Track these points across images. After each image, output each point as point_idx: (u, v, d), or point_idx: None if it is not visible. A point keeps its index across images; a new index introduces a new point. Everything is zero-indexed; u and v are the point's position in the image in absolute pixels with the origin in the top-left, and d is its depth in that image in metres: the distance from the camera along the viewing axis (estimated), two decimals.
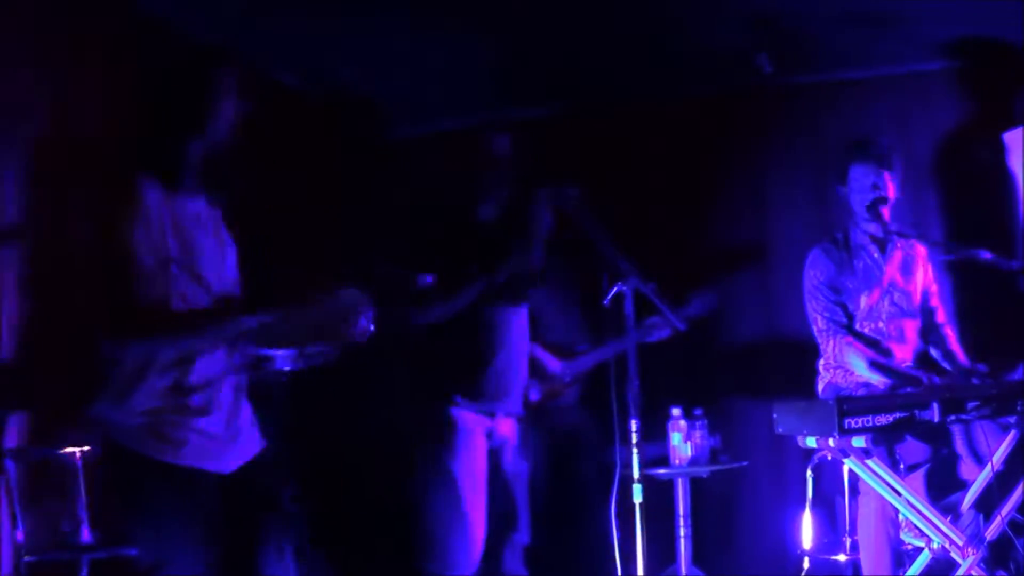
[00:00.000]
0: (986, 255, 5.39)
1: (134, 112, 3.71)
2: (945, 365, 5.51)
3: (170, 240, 3.37)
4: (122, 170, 3.47)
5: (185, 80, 3.56)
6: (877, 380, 5.23)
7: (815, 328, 5.49)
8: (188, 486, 3.35)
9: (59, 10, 5.14)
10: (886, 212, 5.42)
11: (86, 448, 4.80)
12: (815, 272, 5.48)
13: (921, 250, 5.63)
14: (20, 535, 4.56)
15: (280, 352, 3.59)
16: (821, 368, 5.54)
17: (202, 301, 3.44)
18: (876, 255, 5.50)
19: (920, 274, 5.61)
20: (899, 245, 5.55)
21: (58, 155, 5.16)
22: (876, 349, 5.33)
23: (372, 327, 3.57)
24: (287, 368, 3.67)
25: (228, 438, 3.50)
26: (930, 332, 5.60)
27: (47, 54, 5.12)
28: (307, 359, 3.63)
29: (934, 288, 5.67)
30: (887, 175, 5.43)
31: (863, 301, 5.42)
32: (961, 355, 5.54)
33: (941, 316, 5.67)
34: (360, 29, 6.13)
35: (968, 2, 5.98)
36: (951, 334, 5.64)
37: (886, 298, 5.46)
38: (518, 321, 5.00)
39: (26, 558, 4.57)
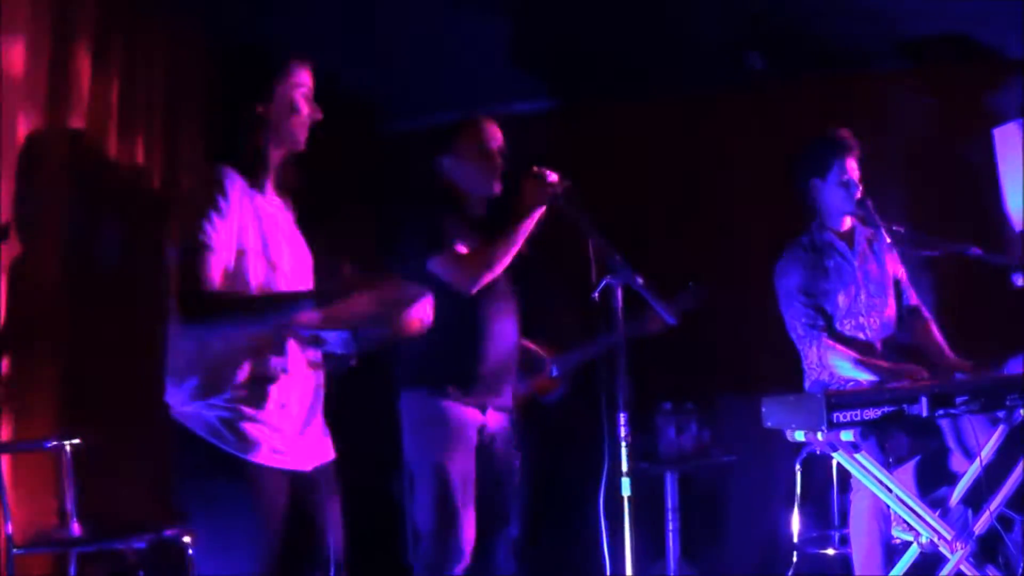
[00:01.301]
0: (974, 251, 5.41)
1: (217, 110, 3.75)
2: (931, 358, 5.51)
3: (249, 230, 3.45)
4: (204, 159, 3.53)
5: (255, 81, 3.63)
6: (865, 379, 5.23)
7: (794, 335, 5.49)
8: (256, 482, 3.39)
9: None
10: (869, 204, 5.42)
11: (75, 441, 4.80)
12: (787, 279, 5.46)
13: (887, 237, 5.61)
14: (9, 528, 4.55)
15: (334, 334, 3.60)
16: (807, 367, 5.53)
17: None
18: (845, 251, 5.50)
19: (889, 261, 5.61)
20: (865, 236, 5.55)
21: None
22: (858, 347, 5.32)
23: (430, 320, 3.66)
24: (340, 352, 3.66)
25: (302, 436, 3.54)
26: (909, 320, 5.59)
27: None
28: (361, 343, 3.62)
29: (902, 273, 5.67)
30: (860, 168, 5.46)
31: (841, 300, 5.41)
32: (944, 347, 5.54)
33: (914, 299, 5.67)
34: (354, 24, 6.12)
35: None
36: (931, 323, 5.63)
37: (862, 292, 5.46)
38: (507, 313, 5.00)
39: (15, 551, 4.56)
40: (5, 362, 4.79)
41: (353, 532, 6.60)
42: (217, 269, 3.34)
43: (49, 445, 4.79)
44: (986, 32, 6.54)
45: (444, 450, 4.76)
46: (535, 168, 4.59)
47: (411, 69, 6.92)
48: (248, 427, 3.38)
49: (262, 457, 3.40)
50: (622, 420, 4.19)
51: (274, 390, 3.45)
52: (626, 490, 4.16)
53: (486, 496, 4.85)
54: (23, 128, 4.83)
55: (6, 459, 4.67)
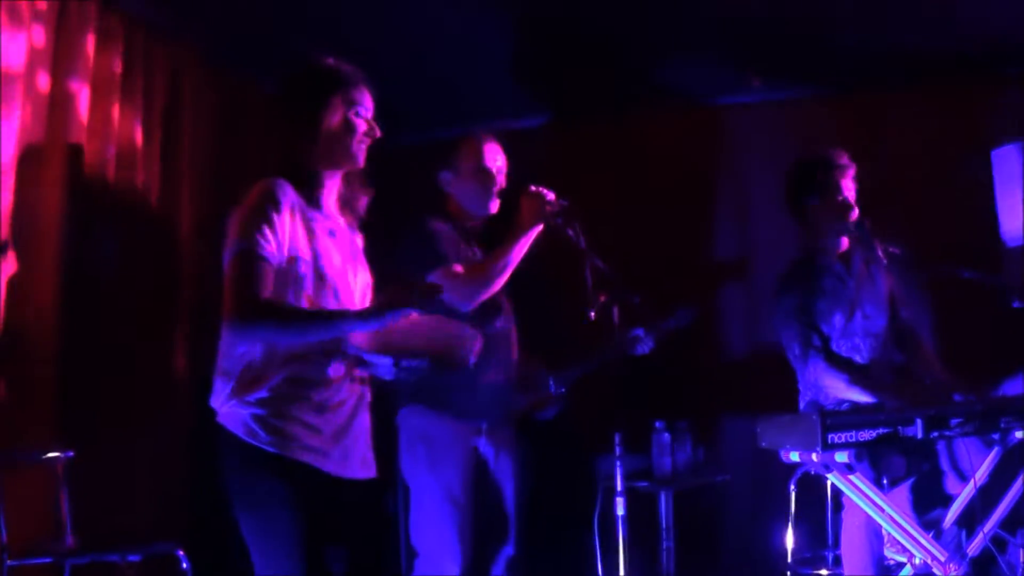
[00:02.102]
0: (968, 273, 5.42)
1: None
2: (925, 380, 5.51)
3: (301, 241, 3.50)
4: (261, 170, 3.58)
5: (314, 100, 3.70)
6: (859, 399, 5.23)
7: (791, 355, 5.47)
8: (293, 479, 3.43)
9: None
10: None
11: (70, 453, 4.81)
12: (784, 299, 5.43)
13: (883, 258, 5.61)
14: (3, 540, 4.55)
15: (382, 359, 3.61)
16: (802, 388, 5.53)
17: (328, 305, 3.56)
18: (842, 272, 5.49)
19: (885, 282, 5.61)
20: (862, 257, 5.55)
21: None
22: (853, 368, 5.32)
23: (474, 359, 3.68)
24: (387, 377, 3.68)
25: (338, 441, 3.56)
26: (905, 341, 5.59)
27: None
28: (406, 372, 3.63)
29: (899, 293, 5.67)
30: (855, 187, 5.46)
31: (837, 321, 5.40)
32: (939, 367, 5.54)
33: (910, 320, 5.67)
34: (350, 38, 6.13)
35: (951, 17, 6.00)
36: (927, 344, 5.63)
37: (858, 313, 5.45)
38: (504, 331, 5.00)
39: (9, 563, 4.56)
40: (1, 375, 4.80)
41: (349, 548, 6.63)
42: (270, 278, 3.41)
43: (45, 457, 4.79)
44: (987, 50, 6.55)
45: (440, 467, 4.75)
46: (533, 187, 4.60)
47: (411, 84, 6.93)
48: (282, 424, 3.43)
49: (296, 453, 3.44)
50: (617, 439, 4.20)
51: (313, 393, 3.49)
52: (620, 509, 4.17)
53: (482, 514, 4.84)
54: (21, 143, 4.84)
55: (1, 471, 4.67)
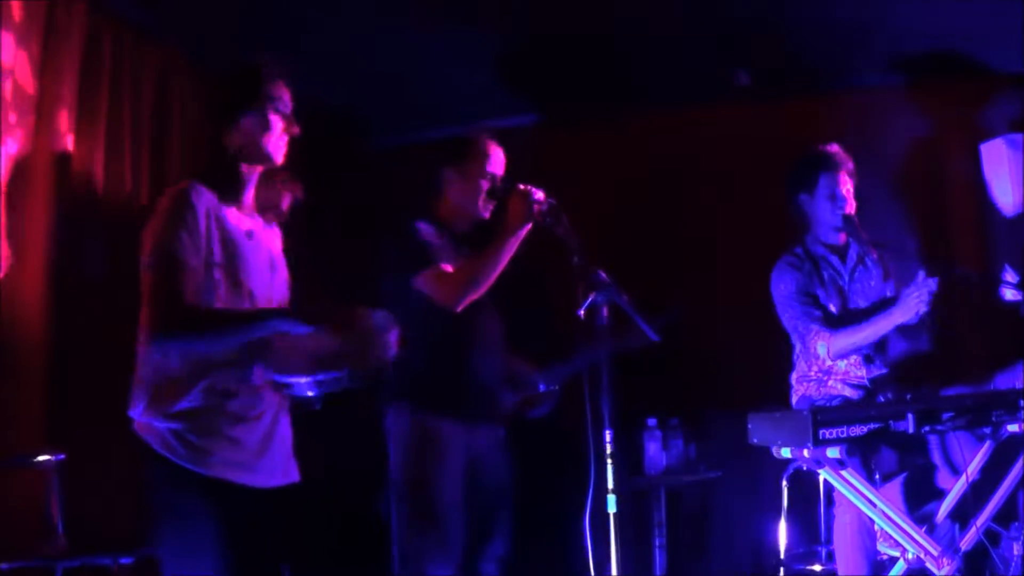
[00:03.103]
0: (955, 268, 5.42)
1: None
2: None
3: (216, 246, 3.47)
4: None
5: (233, 97, 3.68)
6: (858, 373, 5.26)
7: (797, 335, 5.45)
8: (213, 496, 3.40)
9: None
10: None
11: (60, 456, 4.80)
12: (784, 284, 5.45)
13: (875, 253, 5.62)
14: None
15: (302, 379, 3.57)
16: (794, 382, 5.53)
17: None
18: (838, 265, 5.51)
19: (880, 278, 5.62)
20: (857, 252, 5.56)
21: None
22: (856, 317, 5.33)
23: (391, 354, 3.63)
24: (307, 394, 3.63)
25: (261, 453, 3.55)
26: (898, 333, 5.60)
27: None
28: (324, 386, 3.59)
29: (892, 287, 5.67)
30: (852, 185, 5.47)
31: (833, 311, 5.42)
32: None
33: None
34: (339, 40, 6.13)
35: (941, 17, 6.01)
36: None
37: (853, 307, 5.46)
38: (493, 330, 5.00)
39: (0, 565, 4.56)
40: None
41: (339, 548, 6.63)
42: (190, 284, 3.38)
43: (35, 460, 4.78)
44: (974, 47, 6.55)
45: (430, 467, 4.75)
46: (521, 186, 4.60)
47: (394, 84, 6.92)
48: (199, 439, 3.40)
49: (214, 469, 3.41)
50: (608, 436, 4.19)
51: (231, 405, 3.47)
52: (612, 507, 4.16)
53: (473, 513, 4.84)
54: (10, 148, 4.83)
55: None
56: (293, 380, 3.57)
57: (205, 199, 3.48)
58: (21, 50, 4.92)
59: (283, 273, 3.80)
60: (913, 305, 5.06)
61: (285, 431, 3.69)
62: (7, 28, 4.84)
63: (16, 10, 4.88)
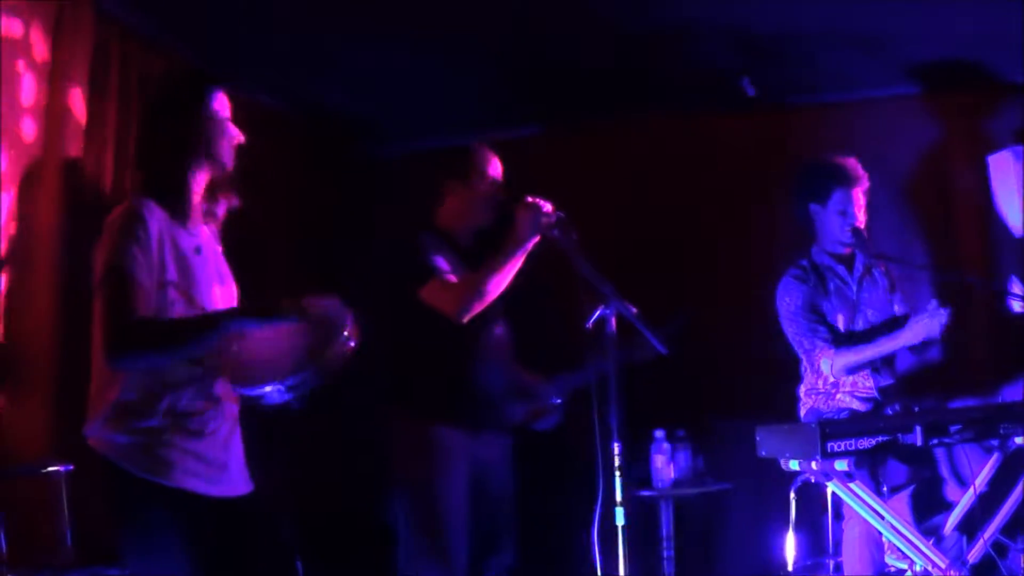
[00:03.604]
0: (969, 278, 5.43)
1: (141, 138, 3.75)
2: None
3: (169, 265, 3.43)
4: (126, 193, 3.52)
5: (181, 104, 3.62)
6: (866, 385, 5.27)
7: (801, 351, 5.47)
8: (177, 507, 3.38)
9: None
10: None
11: (70, 466, 4.80)
12: (789, 299, 5.46)
13: (881, 264, 5.63)
14: (3, 552, 4.55)
15: (269, 387, 3.51)
16: (802, 394, 5.53)
17: None
18: (845, 275, 5.51)
19: (886, 287, 5.62)
20: (864, 262, 5.56)
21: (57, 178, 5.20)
22: (861, 338, 5.34)
23: (352, 343, 3.58)
24: (279, 401, 3.59)
25: (222, 464, 3.54)
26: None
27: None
28: (296, 388, 3.54)
29: (900, 298, 5.68)
30: (864, 201, 5.48)
31: (839, 322, 5.42)
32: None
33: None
34: (343, 49, 6.14)
35: (950, 27, 6.01)
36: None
37: (860, 317, 5.47)
38: (499, 341, 5.01)
39: (8, 575, 4.56)
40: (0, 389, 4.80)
41: (345, 559, 6.63)
42: (142, 302, 3.34)
43: (44, 471, 4.78)
44: (982, 57, 6.55)
45: (436, 477, 4.75)
46: (529, 198, 4.60)
47: (397, 95, 6.93)
48: (161, 452, 3.38)
49: (177, 480, 3.40)
50: (616, 449, 4.19)
51: (192, 422, 3.46)
52: (620, 519, 4.16)
53: (479, 523, 4.84)
54: (19, 159, 4.84)
55: (1, 484, 4.67)
56: (263, 391, 3.52)
57: (157, 216, 3.45)
58: (29, 59, 4.93)
59: (231, 285, 3.77)
60: (921, 332, 5.08)
61: (239, 442, 3.67)
62: (15, 37, 4.84)
63: (23, 20, 4.89)
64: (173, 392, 3.42)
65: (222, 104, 3.69)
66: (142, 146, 3.72)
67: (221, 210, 3.75)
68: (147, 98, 3.79)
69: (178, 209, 3.56)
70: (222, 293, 3.70)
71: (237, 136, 3.71)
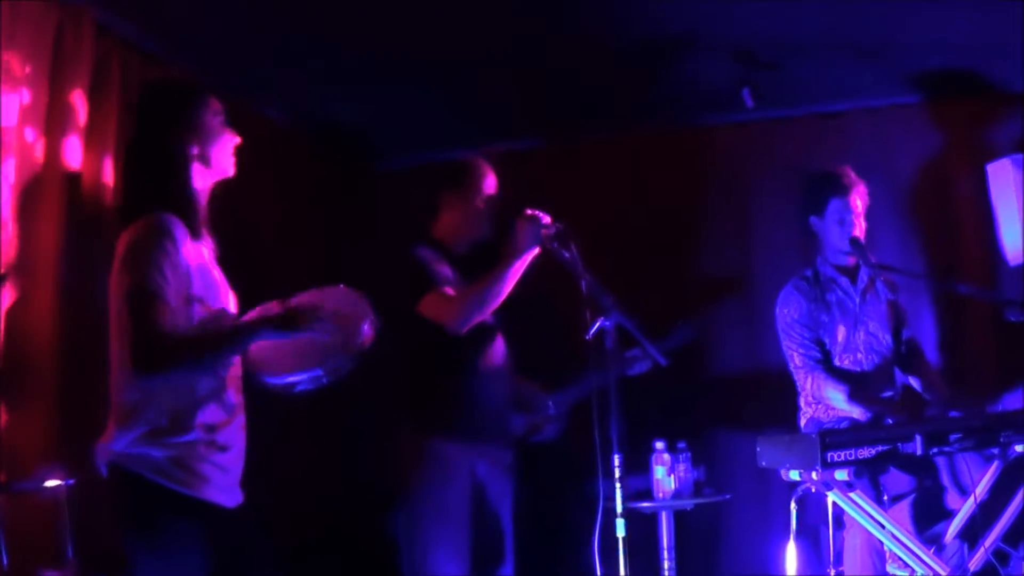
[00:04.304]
0: (964, 288, 5.43)
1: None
2: (927, 395, 5.53)
3: (194, 280, 3.47)
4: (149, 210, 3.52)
5: (171, 116, 3.64)
6: (857, 413, 5.25)
7: (792, 365, 5.51)
8: (204, 518, 3.45)
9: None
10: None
11: (70, 481, 4.79)
12: (788, 310, 5.49)
13: (883, 274, 5.65)
14: (4, 568, 4.54)
15: (298, 376, 3.59)
16: (802, 404, 5.55)
17: None
18: (847, 286, 5.52)
19: (891, 301, 5.63)
20: (868, 274, 5.57)
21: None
22: (853, 382, 5.34)
23: (373, 331, 3.63)
24: (310, 387, 3.64)
25: (236, 475, 3.62)
26: (909, 360, 5.61)
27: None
28: (330, 375, 3.60)
29: (905, 315, 5.69)
30: (863, 207, 5.49)
31: (840, 334, 5.44)
32: (941, 382, 5.57)
33: (913, 335, 5.70)
34: (343, 62, 6.15)
35: (950, 35, 6.01)
36: (930, 363, 5.66)
37: (861, 329, 5.48)
38: (499, 353, 5.01)
39: None
40: (1, 404, 4.80)
41: (344, 572, 6.62)
42: (169, 317, 3.37)
43: (46, 485, 4.78)
44: (983, 66, 6.56)
45: (438, 489, 4.76)
46: (528, 210, 4.61)
47: (398, 108, 6.94)
48: (198, 465, 3.44)
49: (206, 493, 3.46)
50: (617, 460, 4.20)
51: (220, 432, 3.52)
52: (621, 530, 4.16)
53: (481, 535, 4.85)
54: (20, 172, 4.84)
55: (1, 499, 4.66)
56: (291, 379, 3.60)
57: (180, 230, 3.48)
58: (31, 73, 4.93)
59: (228, 290, 3.78)
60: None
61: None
62: (16, 51, 4.85)
63: (24, 34, 4.89)
64: (203, 406, 3.47)
65: (214, 110, 3.71)
66: (141, 162, 3.70)
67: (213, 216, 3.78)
68: (137, 112, 3.76)
69: (192, 222, 3.58)
70: (231, 302, 3.74)
71: (234, 139, 3.75)
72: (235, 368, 3.67)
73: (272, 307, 3.55)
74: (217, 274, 3.68)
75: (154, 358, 3.34)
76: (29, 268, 4.88)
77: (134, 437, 3.41)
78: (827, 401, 5.35)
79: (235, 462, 3.61)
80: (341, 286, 3.66)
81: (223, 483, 3.52)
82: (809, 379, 5.39)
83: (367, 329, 3.59)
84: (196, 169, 3.65)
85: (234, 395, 3.61)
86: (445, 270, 4.86)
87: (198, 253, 3.57)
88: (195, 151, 3.63)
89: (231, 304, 3.74)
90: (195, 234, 3.59)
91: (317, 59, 6.04)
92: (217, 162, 3.69)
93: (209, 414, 3.49)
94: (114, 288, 3.46)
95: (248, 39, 5.77)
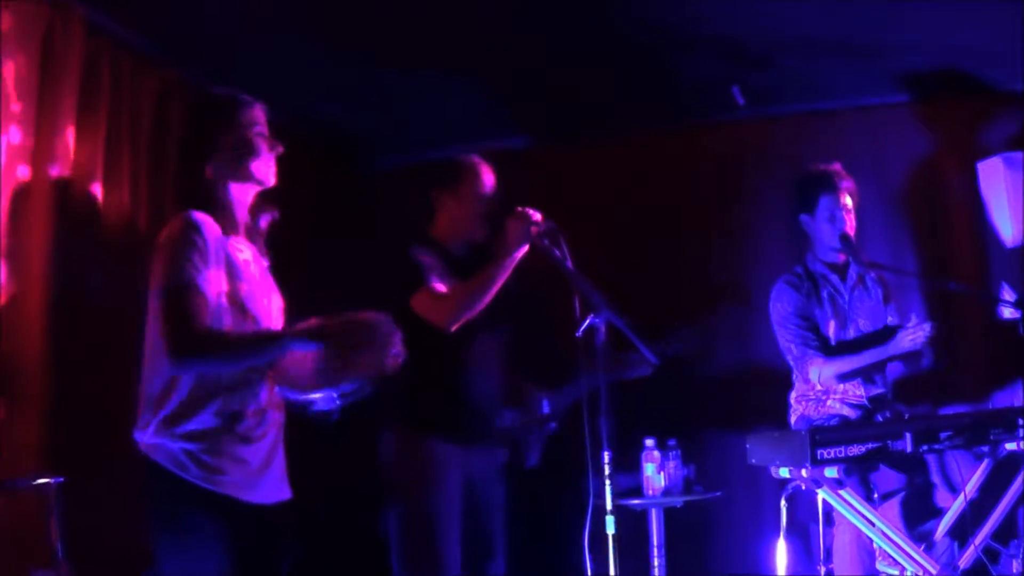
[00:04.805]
0: (953, 286, 5.45)
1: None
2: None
3: (224, 274, 3.55)
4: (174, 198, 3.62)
5: (209, 125, 3.76)
6: (856, 393, 5.28)
7: (789, 357, 5.51)
8: (220, 512, 3.48)
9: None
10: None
11: (60, 479, 4.79)
12: (782, 304, 5.51)
13: (873, 272, 5.66)
14: None
15: (319, 394, 3.61)
16: (793, 401, 5.56)
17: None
18: (838, 284, 5.54)
19: (880, 297, 5.64)
20: (858, 271, 5.58)
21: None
22: (851, 348, 5.37)
23: (401, 358, 3.65)
24: (327, 408, 3.66)
25: (262, 471, 3.62)
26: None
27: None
28: (345, 397, 3.62)
29: (892, 306, 5.69)
30: (853, 204, 5.51)
31: (832, 330, 5.45)
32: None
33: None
34: (336, 62, 6.14)
35: (941, 35, 6.02)
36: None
37: (851, 325, 5.50)
38: (490, 351, 5.01)
39: None
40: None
41: (338, 569, 6.62)
42: (204, 310, 3.45)
43: (35, 483, 4.78)
44: (975, 65, 6.57)
45: (427, 488, 4.76)
46: (519, 208, 4.61)
47: (393, 107, 6.93)
48: (211, 459, 3.48)
49: (225, 487, 3.49)
50: (606, 458, 4.20)
51: (239, 427, 3.56)
52: (611, 528, 4.17)
53: (471, 533, 4.84)
54: (9, 173, 4.83)
55: None
56: (312, 396, 3.62)
57: (209, 226, 3.56)
58: (19, 73, 4.92)
59: (279, 300, 3.86)
60: (907, 345, 5.10)
61: (281, 449, 3.75)
62: (4, 52, 4.84)
63: (13, 34, 4.88)
64: (224, 397, 3.52)
65: (251, 123, 3.80)
66: (180, 167, 3.81)
67: (263, 223, 3.88)
68: (180, 121, 3.87)
69: (225, 222, 3.67)
70: (271, 307, 3.80)
71: (273, 151, 3.83)
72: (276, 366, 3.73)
73: (311, 321, 3.57)
74: (256, 275, 3.75)
75: (189, 348, 3.42)
76: (20, 268, 4.87)
77: (156, 426, 3.49)
78: (832, 385, 5.36)
79: (261, 457, 3.63)
80: (374, 312, 3.69)
81: (244, 477, 3.55)
82: (811, 367, 5.38)
83: (395, 357, 3.61)
84: (231, 181, 3.74)
85: (268, 390, 3.66)
86: (440, 269, 4.86)
87: (233, 251, 3.64)
88: (229, 165, 3.72)
89: (273, 306, 3.80)
90: (230, 232, 3.68)
91: (309, 59, 6.03)
92: (255, 174, 3.77)
93: (232, 403, 3.54)
94: (151, 283, 3.55)
95: (238, 40, 5.76)
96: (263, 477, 3.62)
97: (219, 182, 3.71)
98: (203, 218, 3.56)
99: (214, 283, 3.51)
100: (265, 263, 3.85)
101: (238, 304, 3.59)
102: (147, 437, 3.51)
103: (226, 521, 3.47)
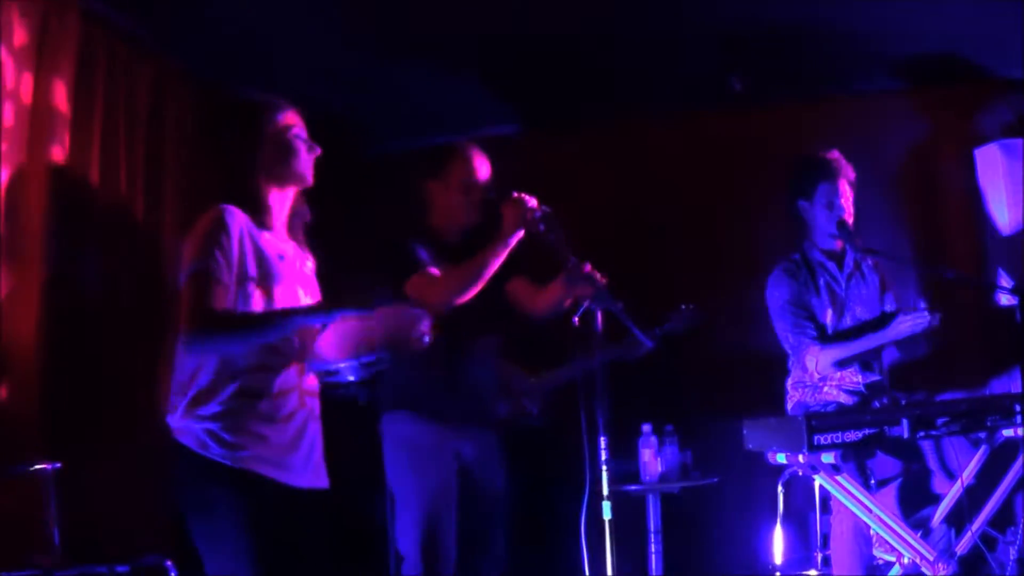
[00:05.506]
0: (950, 273, 5.44)
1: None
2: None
3: (249, 263, 3.67)
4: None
5: (241, 127, 3.87)
6: (853, 379, 5.29)
7: (786, 344, 5.51)
8: (243, 488, 3.57)
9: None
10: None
11: (56, 465, 4.78)
12: (778, 292, 5.50)
13: (870, 259, 5.65)
14: None
15: (344, 363, 3.69)
16: (789, 387, 5.56)
17: None
18: (834, 271, 5.53)
19: (877, 285, 5.64)
20: (855, 259, 5.58)
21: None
22: (847, 335, 5.37)
23: (427, 339, 3.75)
24: (352, 378, 3.74)
25: (290, 451, 3.70)
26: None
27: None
28: (368, 368, 3.70)
29: (889, 294, 5.69)
30: (851, 192, 5.50)
31: (828, 318, 5.45)
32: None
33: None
34: (331, 49, 6.13)
35: (938, 22, 6.01)
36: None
37: (848, 314, 5.49)
38: (485, 337, 5.00)
39: None
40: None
41: (337, 554, 6.62)
42: (221, 297, 3.57)
43: (32, 469, 4.77)
44: (972, 52, 6.56)
45: (424, 472, 4.76)
46: (515, 193, 4.60)
47: (388, 94, 6.92)
48: (233, 436, 3.57)
49: (248, 463, 3.57)
50: (603, 443, 4.20)
51: (261, 404, 3.63)
52: (607, 513, 4.17)
53: (468, 518, 4.84)
54: (5, 162, 4.83)
55: None
56: (337, 365, 3.70)
57: (239, 219, 3.68)
58: (15, 61, 4.91)
59: (316, 298, 3.92)
60: (905, 330, 5.10)
61: (315, 436, 3.82)
62: (2, 41, 4.83)
63: (8, 22, 4.87)
64: (244, 377, 3.61)
65: (288, 122, 3.90)
66: (216, 166, 3.93)
67: (299, 222, 4.01)
68: (215, 122, 3.96)
69: (258, 215, 3.79)
70: (303, 301, 3.86)
71: (312, 152, 3.94)
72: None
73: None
74: (291, 269, 3.84)
75: (202, 327, 3.55)
76: (15, 255, 4.87)
77: (183, 409, 3.61)
78: (829, 373, 5.36)
79: (289, 438, 3.70)
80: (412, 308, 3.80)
81: (268, 455, 3.62)
82: (807, 355, 5.38)
83: (420, 336, 3.75)
84: (271, 181, 3.85)
85: (297, 374, 3.74)
86: (435, 254, 4.85)
87: (265, 242, 3.74)
88: (269, 167, 3.83)
89: (303, 297, 3.86)
90: (263, 225, 3.79)
91: (303, 46, 6.01)
92: (295, 174, 3.89)
93: (253, 383, 3.62)
94: (179, 272, 3.66)
95: (234, 28, 5.74)
96: (291, 457, 3.68)
97: (259, 183, 3.82)
98: (230, 211, 3.67)
99: (239, 272, 3.63)
100: (308, 262, 3.98)
101: (267, 291, 3.70)
102: (175, 420, 3.63)
103: (247, 496, 3.56)
